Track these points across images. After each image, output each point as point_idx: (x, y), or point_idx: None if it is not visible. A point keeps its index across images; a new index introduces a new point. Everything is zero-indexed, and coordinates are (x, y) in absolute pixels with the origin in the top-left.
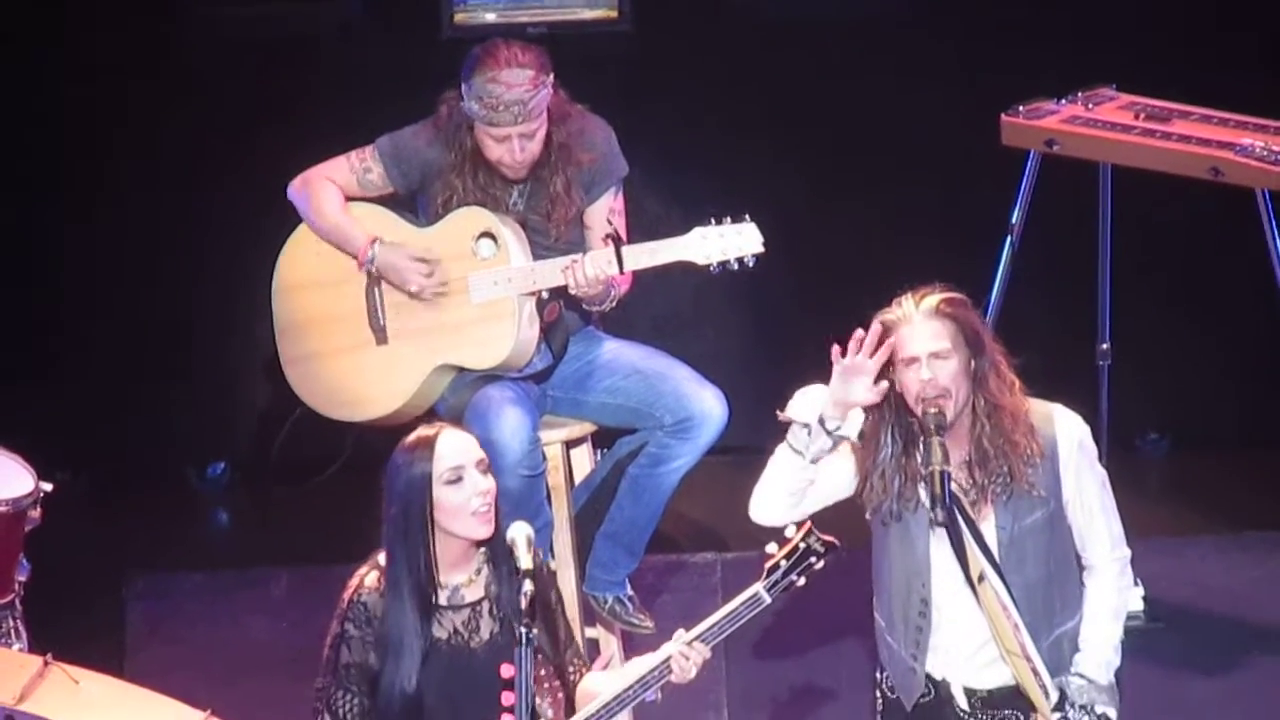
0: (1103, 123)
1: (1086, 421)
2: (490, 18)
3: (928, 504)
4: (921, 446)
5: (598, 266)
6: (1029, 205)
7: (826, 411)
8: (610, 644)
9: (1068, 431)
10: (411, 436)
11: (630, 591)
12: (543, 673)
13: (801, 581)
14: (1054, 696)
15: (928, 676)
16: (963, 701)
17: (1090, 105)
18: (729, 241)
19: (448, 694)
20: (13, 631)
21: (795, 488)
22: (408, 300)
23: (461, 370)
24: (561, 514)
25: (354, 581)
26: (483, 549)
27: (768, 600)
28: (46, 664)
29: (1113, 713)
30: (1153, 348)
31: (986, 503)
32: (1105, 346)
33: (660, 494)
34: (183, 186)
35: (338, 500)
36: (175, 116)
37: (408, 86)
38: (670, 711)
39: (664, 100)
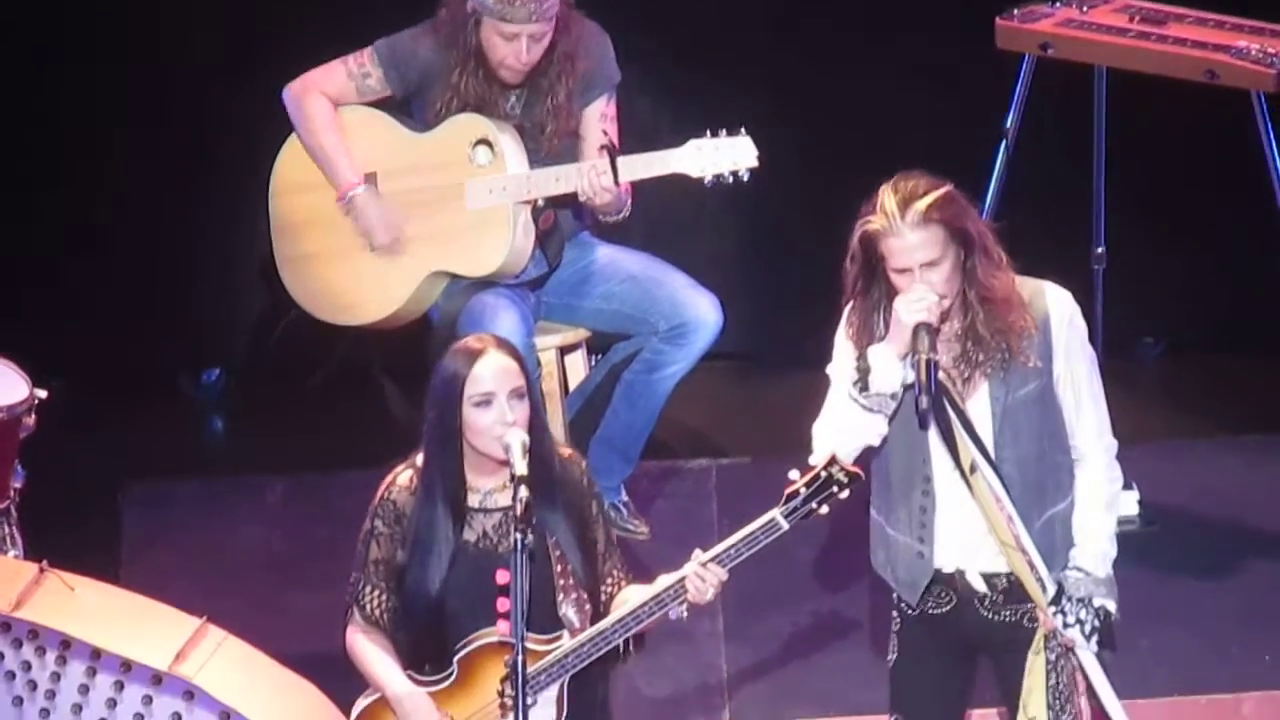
0: (1097, 25)
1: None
2: None
3: (915, 391)
4: (913, 332)
5: (594, 177)
6: (1023, 109)
7: (896, 363)
8: None
9: (1059, 306)
10: (460, 344)
11: (625, 497)
12: (569, 581)
13: (824, 510)
14: (1051, 589)
15: (943, 576)
16: (981, 585)
17: (1085, 8)
18: (723, 154)
19: (470, 597)
20: (8, 538)
21: (878, 441)
22: (403, 206)
23: (456, 277)
24: (556, 420)
25: (388, 479)
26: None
27: (785, 527)
28: (42, 571)
29: (1111, 605)
30: (1147, 252)
31: (982, 376)
32: (1100, 251)
33: (655, 400)
34: (180, 91)
35: (333, 407)
36: (174, 22)
37: None
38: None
39: (657, 6)
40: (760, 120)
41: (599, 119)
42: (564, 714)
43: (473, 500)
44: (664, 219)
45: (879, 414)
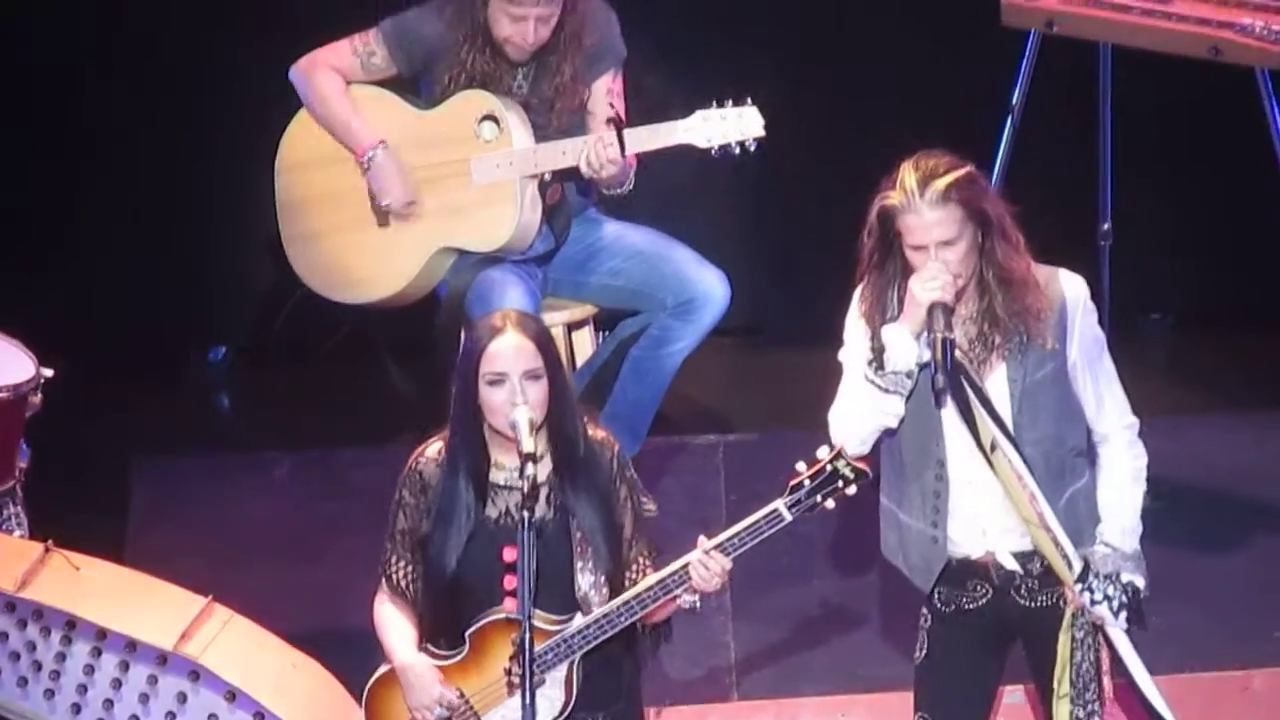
0: (1103, 2)
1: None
2: None
3: (931, 370)
4: (928, 311)
5: (600, 150)
6: (1029, 86)
7: (911, 341)
8: None
9: (1074, 289)
10: (484, 319)
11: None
12: (588, 563)
13: (830, 504)
14: (1077, 566)
15: (975, 567)
16: (1014, 565)
17: None
18: (730, 125)
19: (488, 573)
20: (14, 518)
21: (895, 422)
22: (410, 182)
23: (463, 253)
24: None
25: (418, 450)
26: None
27: (788, 518)
28: (47, 550)
29: (1140, 580)
30: (1154, 228)
31: (999, 358)
32: (1106, 227)
33: (662, 375)
34: (182, 68)
35: (340, 384)
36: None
37: None
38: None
39: None
40: (767, 92)
41: (605, 94)
42: (572, 696)
43: (497, 476)
44: (670, 194)
45: (895, 394)
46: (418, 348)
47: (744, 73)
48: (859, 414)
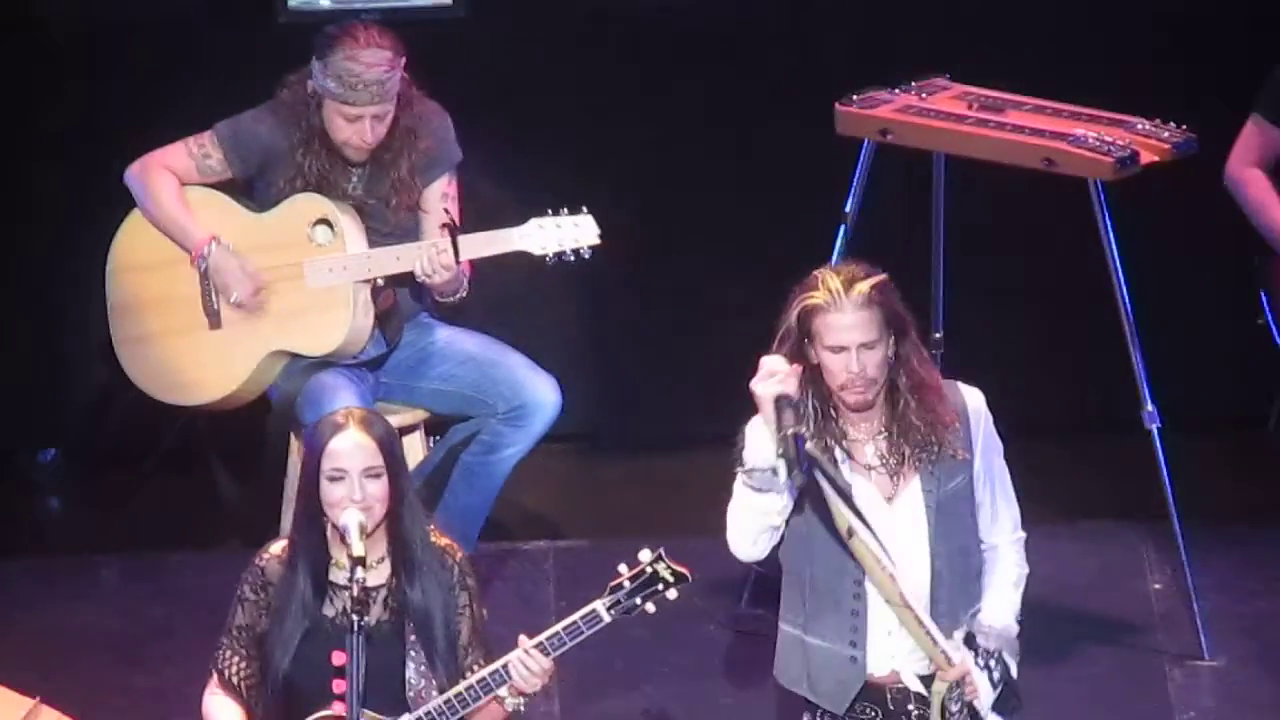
0: (936, 112)
1: None
2: (325, 3)
3: (784, 470)
4: (774, 407)
5: (434, 256)
6: (863, 194)
7: (768, 438)
8: None
9: (975, 399)
10: (328, 416)
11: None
12: (421, 668)
13: (650, 608)
14: (944, 643)
15: (871, 687)
16: (916, 686)
17: (924, 95)
18: (565, 233)
19: (321, 672)
20: None
21: (779, 520)
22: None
23: (295, 356)
24: None
25: (264, 546)
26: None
27: (606, 619)
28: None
29: (1014, 666)
30: (985, 337)
31: (912, 470)
32: (939, 335)
33: (493, 481)
34: (14, 166)
35: (168, 487)
36: (7, 101)
37: (245, 72)
38: None
39: (499, 87)
40: (601, 199)
41: (440, 197)
42: None
43: (337, 576)
44: (503, 299)
45: (770, 493)
46: (247, 451)
47: (578, 178)
48: (739, 513)
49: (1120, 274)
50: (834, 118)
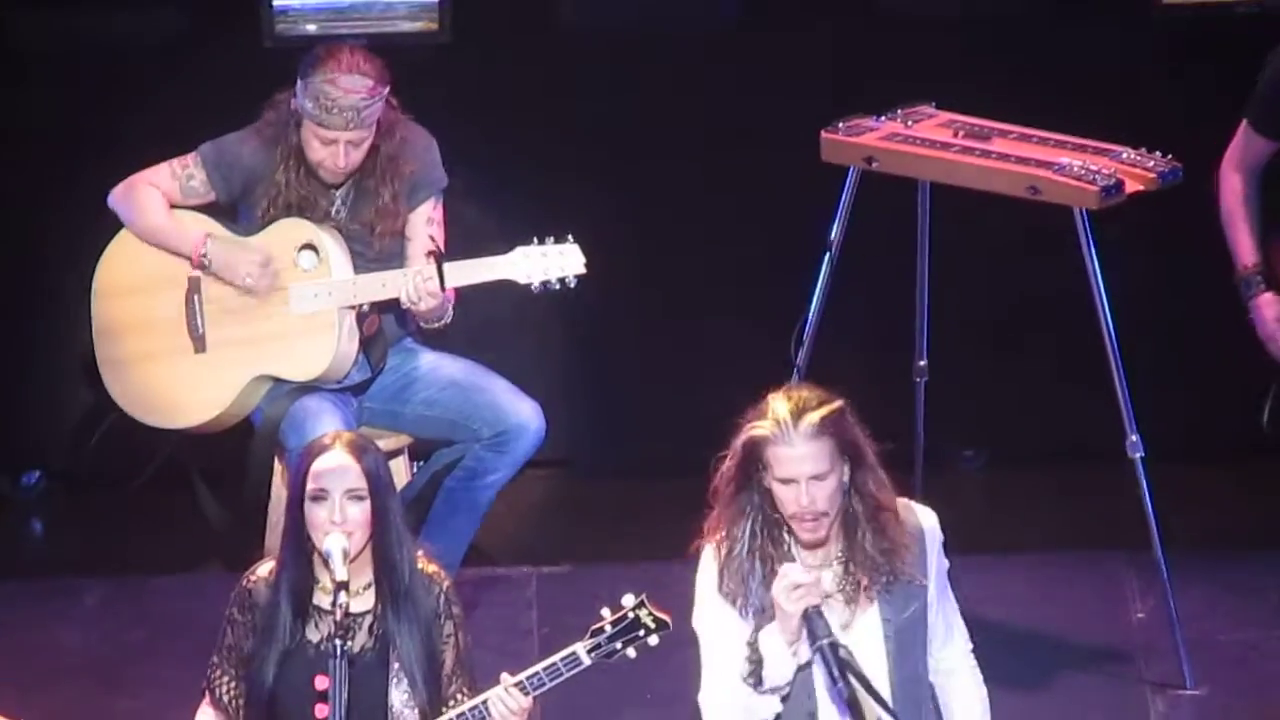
0: (922, 140)
1: (903, 438)
2: (310, 28)
3: (826, 679)
4: (802, 619)
5: (419, 283)
6: (848, 221)
7: (787, 652)
8: None
9: (929, 520)
10: (317, 438)
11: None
12: (404, 696)
13: (631, 654)
14: None
15: None
16: None
17: (910, 123)
18: (551, 261)
19: (303, 697)
20: None
21: (773, 715)
22: (227, 309)
23: (279, 381)
24: None
25: (252, 568)
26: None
27: (587, 663)
28: None
29: None
30: (969, 365)
31: (868, 598)
32: (923, 363)
33: (476, 507)
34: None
35: (152, 510)
36: None
37: (230, 95)
38: None
39: (485, 113)
40: (584, 227)
41: (425, 223)
42: None
43: (321, 600)
44: (487, 325)
45: (775, 696)
46: (230, 474)
47: (563, 204)
48: (735, 713)
49: (1104, 303)
50: (819, 145)
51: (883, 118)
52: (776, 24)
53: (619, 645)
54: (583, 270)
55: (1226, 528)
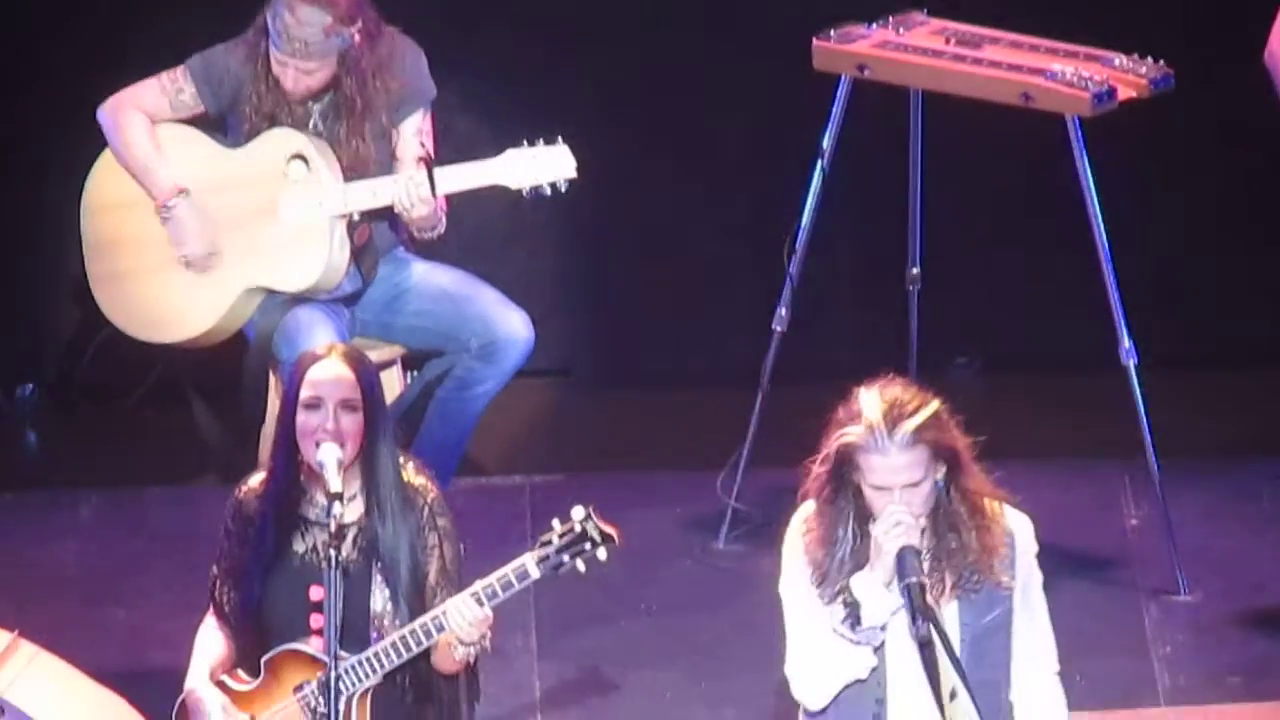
0: (913, 48)
1: (898, 346)
2: None
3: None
4: (897, 558)
5: (411, 189)
6: (840, 130)
7: (885, 593)
8: None
9: (1023, 525)
10: (311, 349)
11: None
12: (387, 606)
13: (580, 566)
14: None
15: None
16: None
17: (901, 30)
18: (541, 164)
19: (290, 607)
20: None
21: (866, 674)
22: (218, 221)
23: (271, 293)
24: None
25: (244, 479)
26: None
27: (535, 574)
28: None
29: None
30: (962, 272)
31: (950, 596)
32: (916, 271)
33: (467, 417)
34: None
35: (148, 423)
36: None
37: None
38: None
39: (478, 21)
40: (577, 133)
41: (415, 133)
42: None
43: (309, 511)
44: (479, 234)
45: (868, 647)
46: (224, 387)
47: (554, 111)
48: (830, 671)
49: (1097, 210)
50: (811, 53)
51: (874, 25)
52: None
53: (566, 558)
54: (573, 174)
55: (1220, 435)
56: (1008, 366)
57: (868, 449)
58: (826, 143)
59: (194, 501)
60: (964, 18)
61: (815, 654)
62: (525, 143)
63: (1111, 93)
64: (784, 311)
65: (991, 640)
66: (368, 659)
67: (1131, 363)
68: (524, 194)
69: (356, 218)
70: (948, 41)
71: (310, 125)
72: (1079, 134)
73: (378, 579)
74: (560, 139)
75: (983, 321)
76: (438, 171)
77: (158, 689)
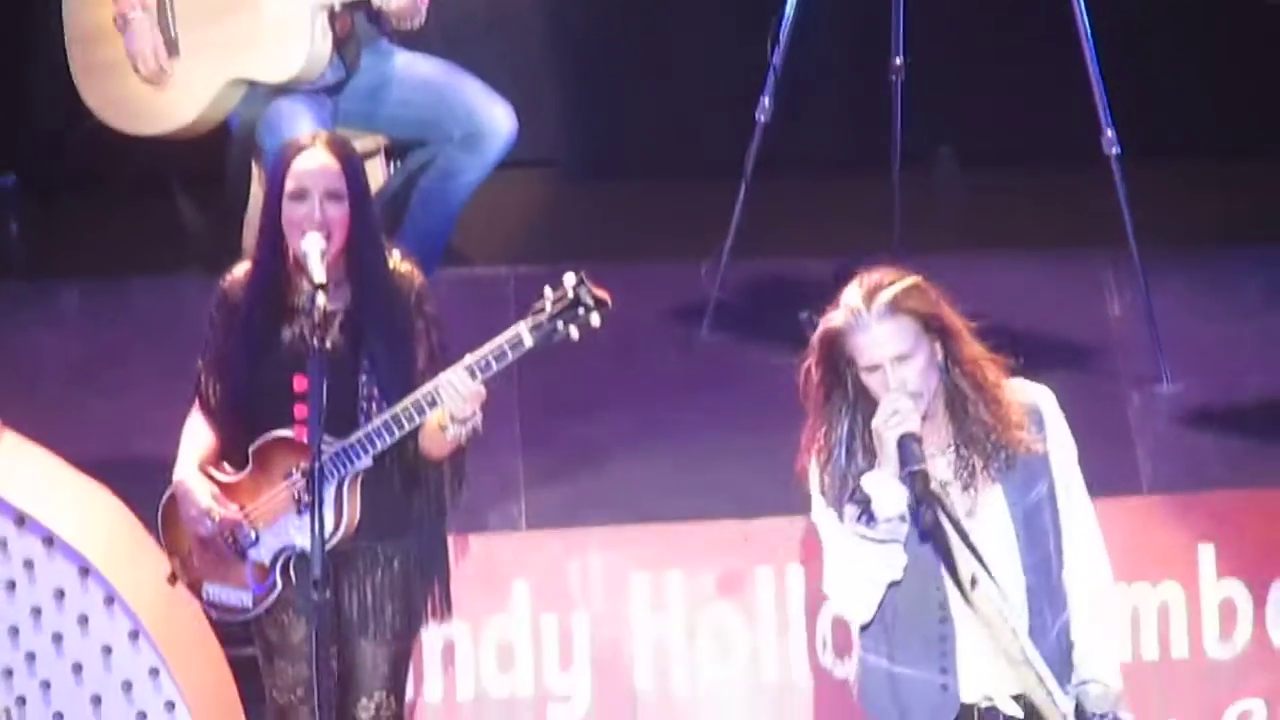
0: None
1: (881, 137)
2: None
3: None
4: (898, 447)
5: None
6: None
7: (895, 483)
8: None
9: (1045, 396)
10: (296, 138)
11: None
12: (374, 391)
13: (574, 333)
14: (1064, 705)
15: (964, 711)
16: (1014, 710)
17: None
18: None
19: (276, 394)
20: None
21: (900, 575)
22: (199, 12)
23: (254, 84)
24: None
25: (229, 269)
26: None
27: (529, 343)
28: None
29: (1128, 716)
30: (947, 62)
31: (991, 480)
32: (900, 61)
33: (449, 206)
34: None
35: (131, 214)
36: None
37: None
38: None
39: None
40: None
41: None
42: (343, 519)
43: (296, 300)
44: (461, 25)
45: (894, 543)
46: (208, 179)
47: None
48: (862, 577)
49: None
50: None
51: None
52: None
53: (560, 324)
54: None
55: (1203, 224)
56: (992, 157)
57: (851, 329)
58: None
59: (177, 292)
60: None
61: (844, 562)
62: None
63: None
64: (767, 102)
65: (1040, 517)
66: (359, 441)
67: (1114, 152)
68: None
69: (338, 8)
70: None
71: None
72: None
73: (365, 364)
74: None
75: (967, 111)
76: None
77: (142, 478)
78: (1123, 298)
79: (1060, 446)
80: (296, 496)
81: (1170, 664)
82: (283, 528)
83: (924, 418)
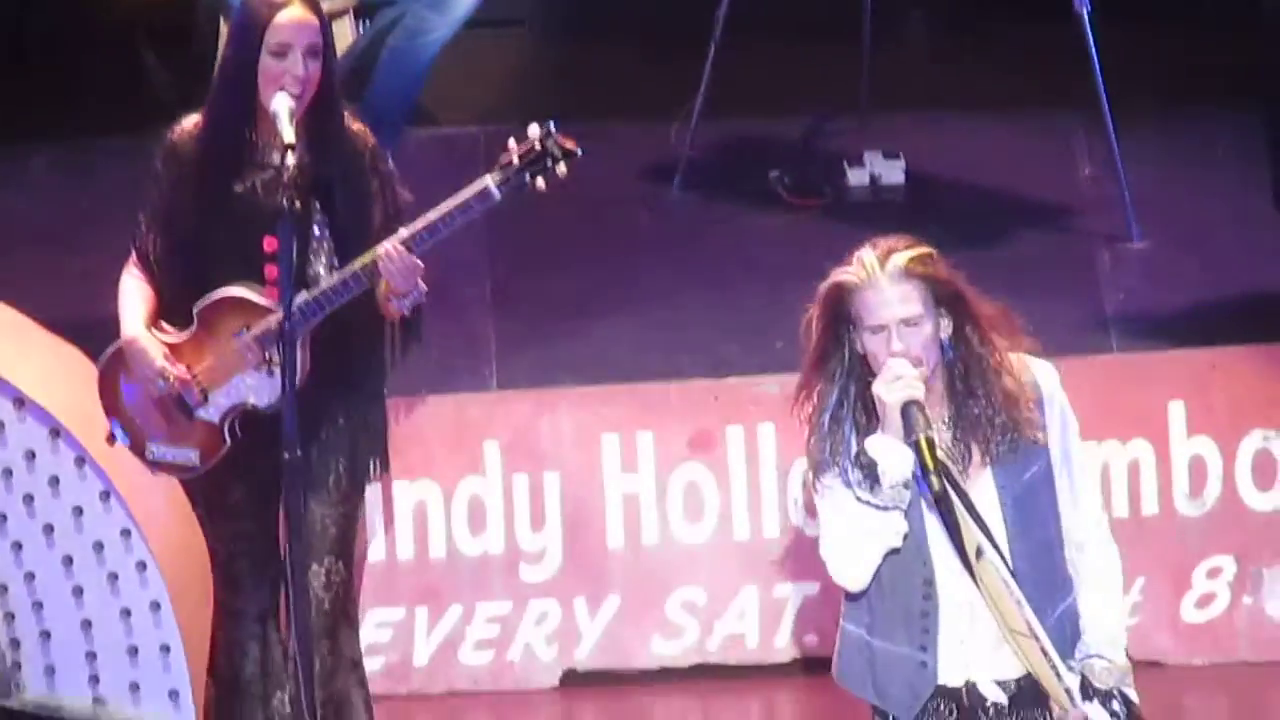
0: None
1: None
2: None
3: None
4: (901, 413)
5: None
6: None
7: (900, 448)
8: None
9: (1049, 375)
10: None
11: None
12: (327, 247)
13: (541, 184)
14: (1068, 680)
15: (947, 690)
16: (996, 694)
17: None
18: None
19: (226, 248)
20: None
21: (900, 542)
22: None
23: None
24: None
25: (178, 120)
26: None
27: (497, 197)
28: None
29: (1133, 692)
30: None
31: (983, 463)
32: None
33: (418, 65)
34: None
35: (96, 74)
36: None
37: None
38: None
39: None
40: None
41: None
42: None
43: (252, 155)
44: None
45: (895, 510)
46: (176, 37)
47: None
48: (861, 542)
49: None
50: None
51: None
52: None
53: (527, 176)
54: None
55: (1174, 83)
56: (964, 17)
57: (861, 286)
58: None
59: (145, 153)
60: None
61: (843, 528)
62: None
63: None
64: None
65: (1034, 500)
66: (314, 299)
67: (1085, 10)
68: None
69: None
70: None
71: None
72: None
73: (318, 218)
74: None
75: None
76: None
77: (112, 338)
78: (1092, 158)
79: (1061, 425)
80: (249, 355)
81: (1140, 521)
82: (235, 386)
83: (924, 389)
